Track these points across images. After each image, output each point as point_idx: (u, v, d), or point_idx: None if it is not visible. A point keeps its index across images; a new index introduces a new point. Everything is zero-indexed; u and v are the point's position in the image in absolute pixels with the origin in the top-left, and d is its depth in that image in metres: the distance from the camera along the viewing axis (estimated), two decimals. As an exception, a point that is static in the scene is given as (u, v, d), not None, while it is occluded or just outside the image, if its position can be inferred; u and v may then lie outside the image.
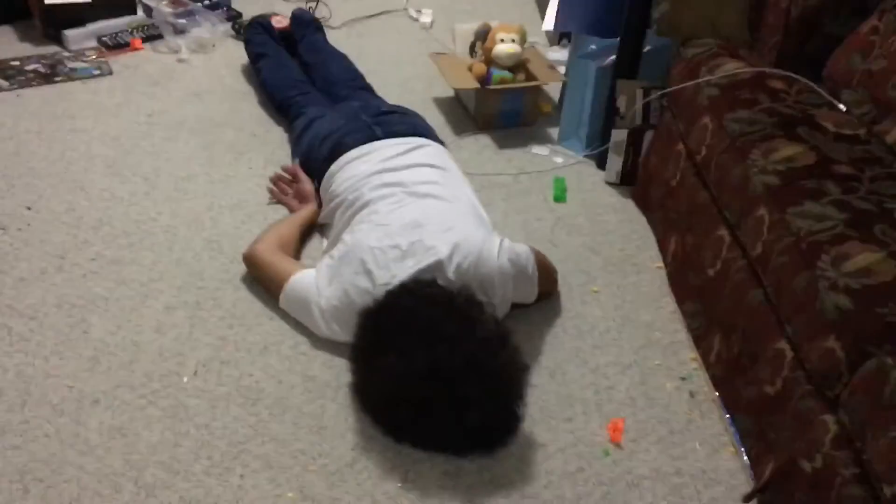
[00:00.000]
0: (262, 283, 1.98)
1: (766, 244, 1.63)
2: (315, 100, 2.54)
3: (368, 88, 2.67)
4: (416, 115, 2.43)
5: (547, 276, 1.98)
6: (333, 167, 2.15)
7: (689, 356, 1.92)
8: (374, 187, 1.98)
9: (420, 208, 1.90)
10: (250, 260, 1.99)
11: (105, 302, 1.95)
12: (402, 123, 2.29)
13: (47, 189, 2.30)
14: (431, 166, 2.08)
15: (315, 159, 2.24)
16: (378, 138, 2.17)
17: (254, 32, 2.86)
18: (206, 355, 1.83)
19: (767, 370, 1.58)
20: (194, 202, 2.30)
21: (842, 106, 1.92)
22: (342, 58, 2.81)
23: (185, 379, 1.76)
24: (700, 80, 2.04)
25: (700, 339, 1.92)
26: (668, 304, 2.08)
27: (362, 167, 2.08)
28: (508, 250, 1.83)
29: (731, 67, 2.03)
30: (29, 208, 2.22)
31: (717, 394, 1.80)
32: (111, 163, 2.43)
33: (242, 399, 1.73)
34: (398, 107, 2.46)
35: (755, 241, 1.68)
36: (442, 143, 2.31)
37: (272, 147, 2.56)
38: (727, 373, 1.76)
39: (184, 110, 2.72)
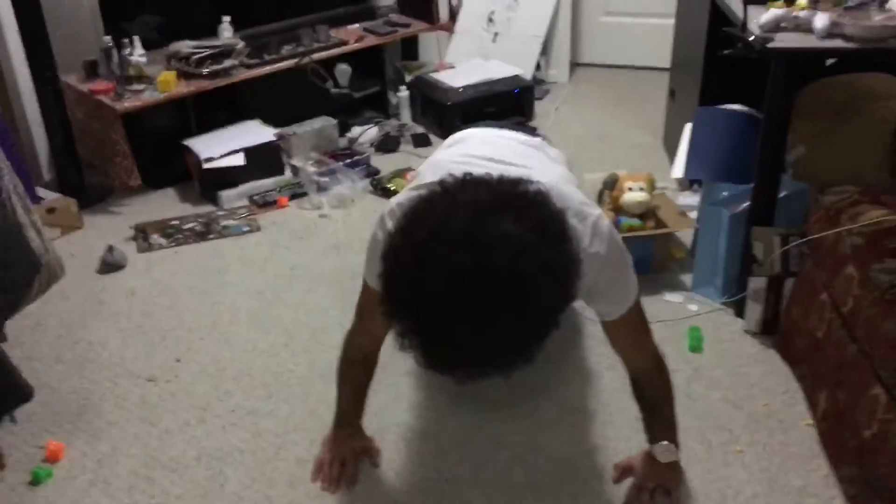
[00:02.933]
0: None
1: (928, 407, 1.50)
2: None
3: None
4: None
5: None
6: None
7: (848, 528, 1.75)
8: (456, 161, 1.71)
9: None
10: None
11: (241, 454, 2.00)
12: None
13: (196, 341, 2.44)
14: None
15: None
16: None
17: None
18: (334, 513, 1.83)
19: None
20: (329, 354, 2.36)
21: None
22: None
23: (314, 537, 1.76)
24: (841, 229, 1.96)
25: (860, 509, 1.74)
26: (821, 466, 1.92)
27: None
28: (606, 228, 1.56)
29: (875, 215, 1.94)
30: (178, 360, 2.36)
31: (883, 574, 1.62)
32: (255, 315, 2.56)
33: (369, 561, 1.70)
34: None
35: (915, 403, 1.54)
36: None
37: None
38: (894, 550, 1.59)
39: (323, 263, 2.85)
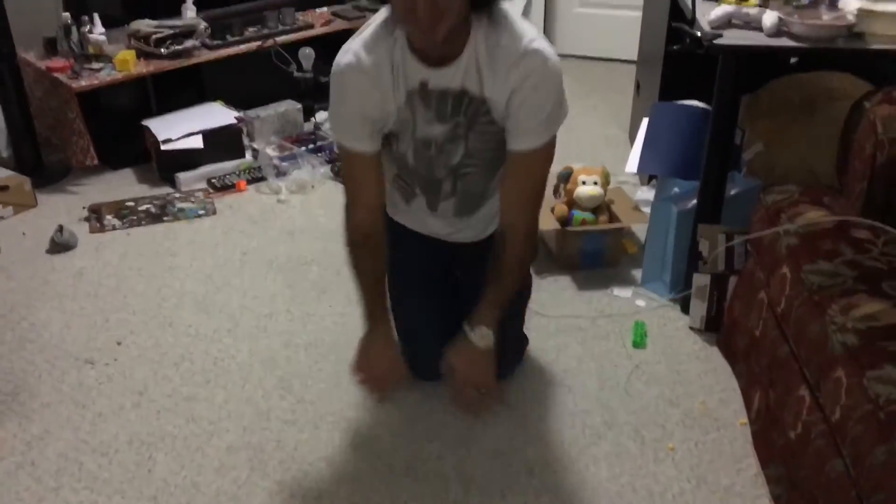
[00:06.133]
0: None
1: (844, 410, 1.50)
2: None
3: None
4: None
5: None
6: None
7: (770, 527, 1.76)
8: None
9: None
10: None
11: (173, 440, 1.99)
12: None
13: (139, 325, 2.42)
14: None
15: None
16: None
17: None
18: (260, 501, 1.82)
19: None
20: (272, 340, 2.36)
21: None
22: None
23: (236, 525, 1.75)
24: (779, 228, 1.95)
25: (783, 509, 1.75)
26: (752, 465, 1.93)
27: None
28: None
29: (812, 216, 1.94)
30: (119, 343, 2.34)
31: (799, 574, 1.63)
32: (201, 299, 2.54)
33: (289, 550, 1.70)
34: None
35: (833, 405, 1.54)
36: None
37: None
38: (809, 551, 1.59)
39: (276, 248, 2.83)
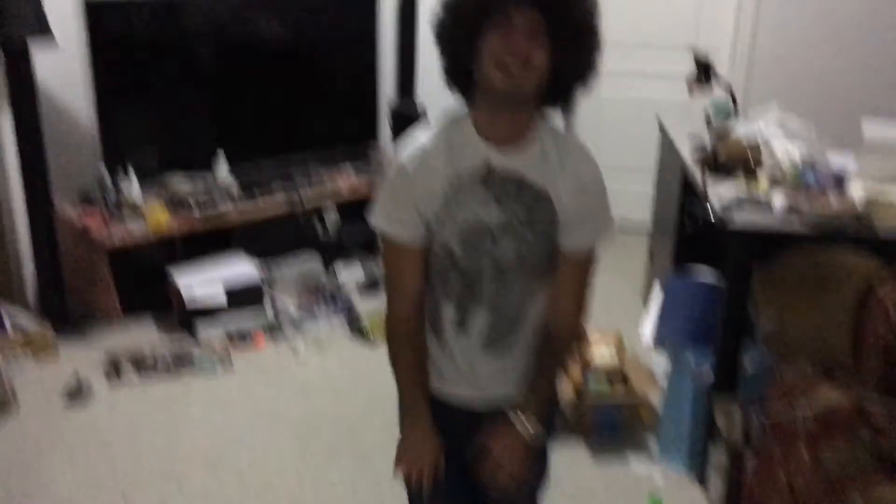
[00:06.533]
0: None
1: None
2: None
3: None
4: None
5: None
6: None
7: None
8: None
9: None
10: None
11: None
12: None
13: (147, 479, 2.39)
14: None
15: None
16: None
17: None
18: None
19: None
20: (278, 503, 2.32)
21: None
22: None
23: None
24: (796, 407, 1.95)
25: None
26: None
27: None
28: None
29: (828, 396, 1.93)
30: (123, 495, 2.31)
31: None
32: (211, 457, 2.52)
33: None
34: None
35: None
36: None
37: (367, 448, 2.59)
38: None
39: (290, 406, 2.83)
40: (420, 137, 1.61)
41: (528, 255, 1.64)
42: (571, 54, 1.51)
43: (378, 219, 1.66)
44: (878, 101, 3.92)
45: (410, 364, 1.73)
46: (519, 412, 1.66)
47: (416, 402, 1.73)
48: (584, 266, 1.65)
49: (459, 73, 1.57)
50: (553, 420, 1.78)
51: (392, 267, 1.70)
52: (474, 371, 1.74)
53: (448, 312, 1.71)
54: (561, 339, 1.67)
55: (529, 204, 1.61)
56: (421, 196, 1.60)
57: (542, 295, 1.68)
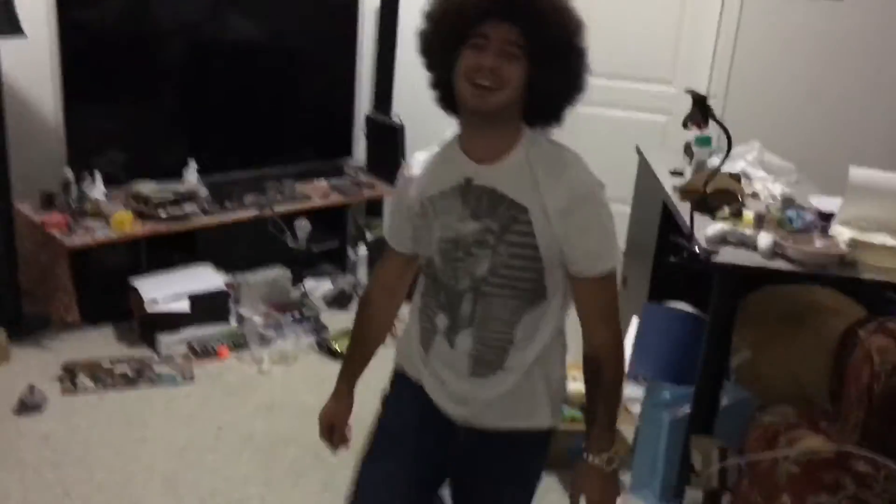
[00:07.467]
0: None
1: None
2: None
3: None
4: None
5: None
6: None
7: None
8: None
9: None
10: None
11: None
12: None
13: (102, 502, 2.28)
14: None
15: None
16: None
17: None
18: None
19: None
20: (242, 530, 2.23)
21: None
22: None
23: None
24: (778, 454, 1.92)
25: None
26: None
27: None
28: None
29: (811, 443, 1.91)
30: (78, 524, 2.20)
31: None
32: (171, 478, 2.42)
33: None
34: None
35: None
36: None
37: (333, 470, 2.50)
38: None
39: (253, 424, 2.74)
40: (420, 156, 1.65)
41: (503, 269, 1.59)
42: (550, 70, 1.48)
43: (384, 222, 1.79)
44: (857, 143, 3.94)
45: (355, 337, 1.82)
46: (598, 454, 1.61)
47: (346, 366, 1.83)
48: (599, 289, 1.58)
49: (444, 89, 1.55)
50: (547, 448, 1.74)
51: (381, 258, 1.80)
52: (459, 395, 1.70)
53: (439, 341, 1.69)
54: (597, 364, 1.61)
55: (504, 218, 1.57)
56: (409, 210, 1.65)
57: (533, 322, 1.62)
